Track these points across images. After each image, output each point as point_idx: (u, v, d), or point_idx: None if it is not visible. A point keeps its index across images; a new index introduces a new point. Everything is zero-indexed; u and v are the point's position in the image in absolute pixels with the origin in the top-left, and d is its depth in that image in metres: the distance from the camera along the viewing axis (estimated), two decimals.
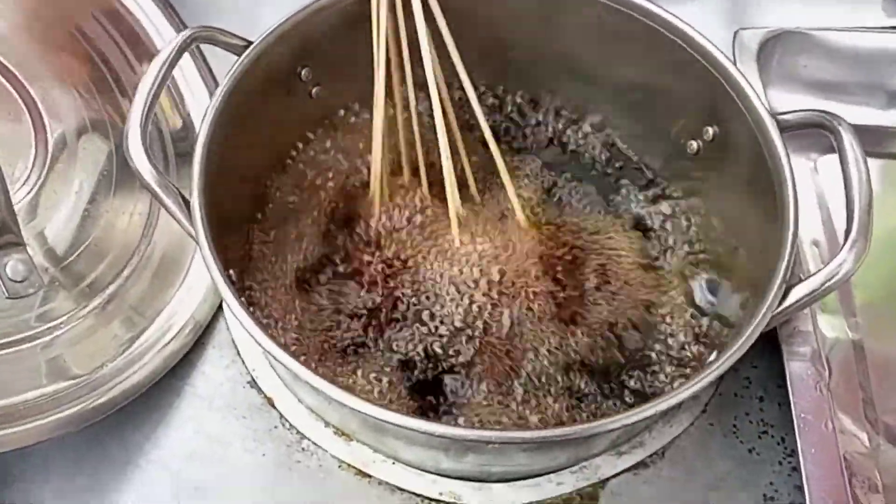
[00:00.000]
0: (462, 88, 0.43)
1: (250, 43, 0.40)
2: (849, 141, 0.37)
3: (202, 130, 0.38)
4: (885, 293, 0.45)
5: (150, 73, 0.38)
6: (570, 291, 0.43)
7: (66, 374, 0.39)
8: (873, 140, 0.48)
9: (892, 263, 0.46)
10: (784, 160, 0.37)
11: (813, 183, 0.49)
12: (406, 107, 0.44)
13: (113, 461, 0.41)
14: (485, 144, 0.44)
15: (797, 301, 0.35)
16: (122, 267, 0.43)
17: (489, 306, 0.43)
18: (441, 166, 0.43)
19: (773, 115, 0.39)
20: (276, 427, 0.41)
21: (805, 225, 0.45)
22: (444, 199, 0.44)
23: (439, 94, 0.42)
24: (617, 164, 0.49)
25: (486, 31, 0.45)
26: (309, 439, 0.41)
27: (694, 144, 0.44)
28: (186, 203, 0.36)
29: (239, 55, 0.40)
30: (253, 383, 0.43)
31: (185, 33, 0.39)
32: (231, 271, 0.37)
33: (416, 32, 0.41)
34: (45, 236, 0.42)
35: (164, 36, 0.49)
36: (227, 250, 0.38)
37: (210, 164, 0.38)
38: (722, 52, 0.41)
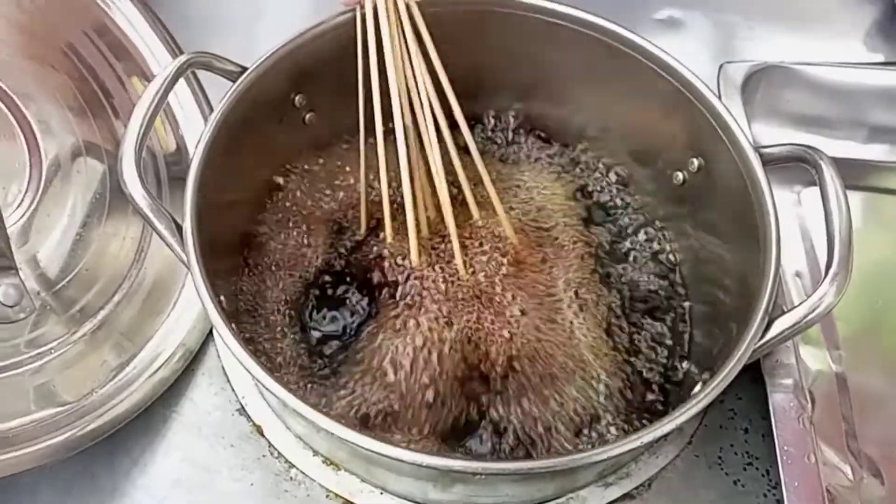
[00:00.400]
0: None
1: (245, 69, 0.41)
2: (829, 175, 0.37)
3: (196, 157, 0.39)
4: (867, 325, 0.46)
5: (146, 99, 0.38)
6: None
7: (54, 400, 0.39)
8: (855, 173, 0.49)
9: (874, 296, 0.47)
10: (767, 194, 0.38)
11: (796, 214, 0.50)
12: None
13: (101, 488, 0.40)
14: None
15: (779, 334, 0.35)
16: (113, 292, 0.43)
17: (484, 334, 0.43)
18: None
19: (757, 148, 0.40)
20: (264, 456, 0.41)
21: (788, 256, 0.46)
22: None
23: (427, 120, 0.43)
24: (604, 192, 0.49)
25: (473, 59, 0.46)
26: (297, 468, 0.41)
27: (680, 175, 0.45)
28: (179, 228, 0.37)
29: (234, 81, 0.41)
30: (242, 411, 0.43)
31: (181, 59, 0.40)
32: (221, 297, 0.37)
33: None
34: (38, 260, 0.42)
35: (159, 60, 0.50)
36: (218, 276, 0.38)
37: (203, 190, 0.38)
38: (706, 86, 0.42)
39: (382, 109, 0.42)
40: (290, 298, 0.44)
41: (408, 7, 0.42)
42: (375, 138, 0.43)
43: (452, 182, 0.45)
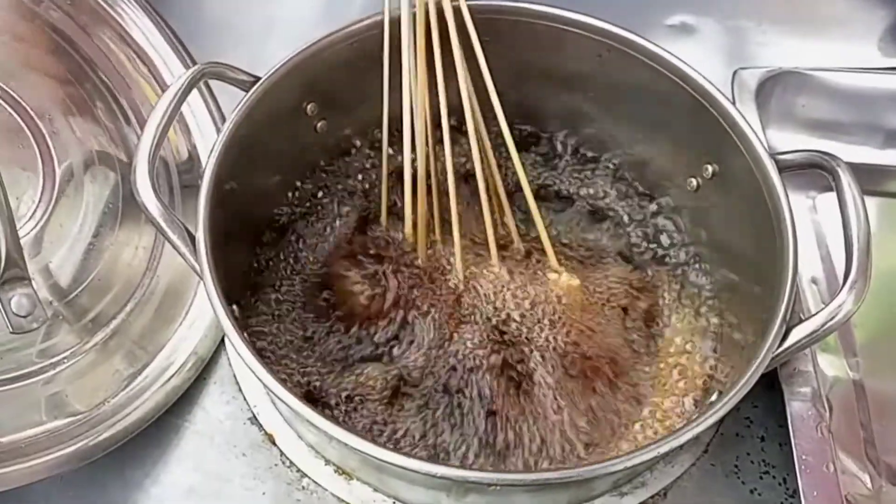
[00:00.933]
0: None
1: (258, 79, 0.41)
2: (847, 181, 0.37)
3: (208, 167, 0.39)
4: (885, 332, 0.45)
5: (159, 109, 0.38)
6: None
7: (66, 410, 0.39)
8: (871, 179, 0.48)
9: (891, 302, 0.46)
10: (783, 202, 0.38)
11: (811, 220, 0.49)
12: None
13: (112, 499, 0.40)
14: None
15: (797, 342, 0.35)
16: (126, 301, 0.43)
17: (505, 348, 0.42)
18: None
19: (772, 155, 0.39)
20: (276, 465, 0.41)
21: (804, 262, 0.45)
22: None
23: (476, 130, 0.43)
24: (618, 198, 0.49)
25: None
26: (309, 477, 0.41)
27: (694, 181, 0.45)
28: (191, 238, 0.37)
29: (246, 91, 0.41)
30: (254, 420, 0.43)
31: (194, 70, 0.40)
32: (234, 306, 0.37)
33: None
34: (50, 270, 0.42)
35: (172, 70, 0.50)
36: (230, 284, 0.38)
37: (216, 200, 0.38)
38: (721, 92, 0.41)
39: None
40: (304, 305, 0.44)
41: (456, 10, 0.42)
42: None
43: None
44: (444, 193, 0.44)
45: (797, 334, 0.35)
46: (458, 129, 0.44)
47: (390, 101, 0.43)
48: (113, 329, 0.42)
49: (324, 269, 0.46)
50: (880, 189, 0.50)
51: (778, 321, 0.34)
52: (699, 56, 0.53)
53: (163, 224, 0.37)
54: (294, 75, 0.42)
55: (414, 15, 0.41)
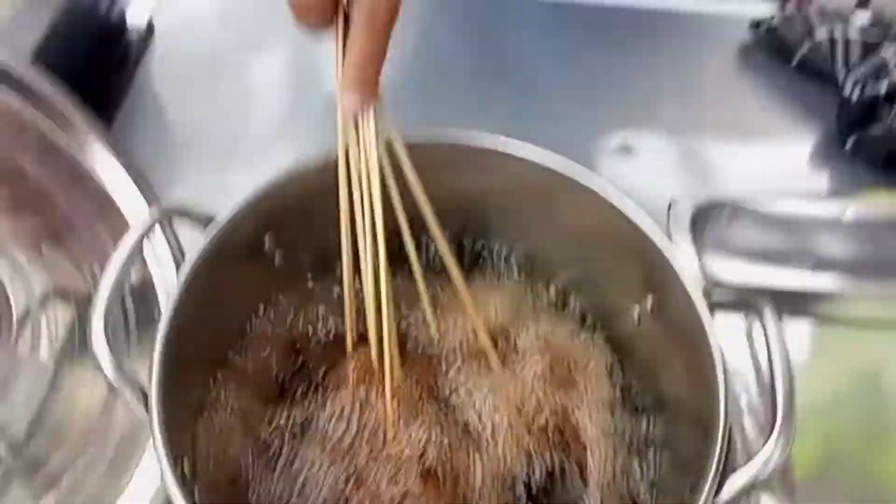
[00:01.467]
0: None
1: (214, 219, 0.42)
2: (772, 326, 0.38)
3: (164, 319, 0.39)
4: (823, 460, 0.45)
5: (116, 261, 0.39)
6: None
7: None
8: (803, 302, 0.50)
9: (825, 429, 0.46)
10: (715, 349, 0.38)
11: (748, 343, 0.50)
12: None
13: None
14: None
15: (731, 497, 0.35)
16: (80, 452, 0.42)
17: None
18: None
19: (705, 291, 0.40)
20: None
21: (742, 387, 0.46)
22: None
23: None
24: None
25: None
26: None
27: (636, 314, 0.45)
28: (144, 394, 0.37)
29: (204, 227, 0.41)
30: None
31: (154, 213, 0.41)
32: (185, 459, 0.37)
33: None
34: (2, 425, 0.42)
35: (132, 203, 0.50)
36: (182, 428, 0.38)
37: (170, 351, 0.38)
38: (656, 225, 0.42)
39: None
40: (255, 449, 0.44)
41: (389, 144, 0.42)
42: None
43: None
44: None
45: (731, 486, 0.35)
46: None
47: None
48: (68, 486, 0.41)
49: (278, 408, 0.46)
50: (811, 313, 0.51)
51: (708, 483, 0.35)
52: (641, 178, 0.55)
53: (115, 381, 0.37)
54: (253, 213, 0.42)
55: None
